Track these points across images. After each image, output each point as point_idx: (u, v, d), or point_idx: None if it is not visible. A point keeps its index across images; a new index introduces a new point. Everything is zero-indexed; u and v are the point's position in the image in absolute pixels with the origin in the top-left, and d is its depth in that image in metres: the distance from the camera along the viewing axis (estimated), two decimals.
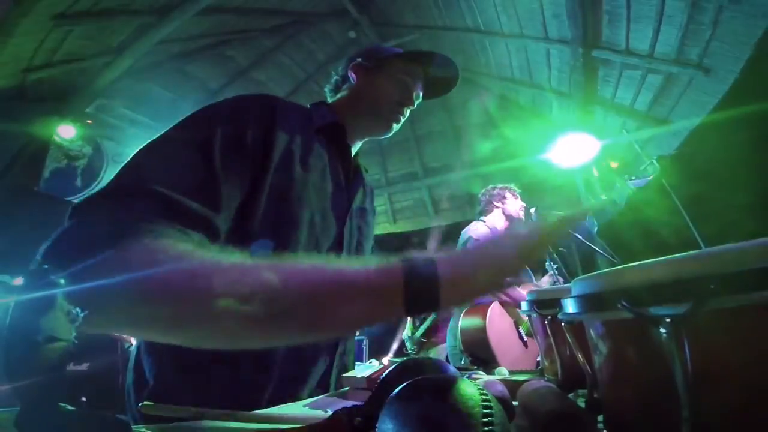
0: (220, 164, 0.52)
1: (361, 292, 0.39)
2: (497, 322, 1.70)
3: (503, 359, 1.53)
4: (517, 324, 1.74)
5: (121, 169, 0.49)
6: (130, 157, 0.51)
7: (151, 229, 0.41)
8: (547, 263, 1.78)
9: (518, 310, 1.73)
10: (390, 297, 0.39)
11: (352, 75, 0.85)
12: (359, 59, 0.86)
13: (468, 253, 0.45)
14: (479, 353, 1.63)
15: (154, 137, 0.54)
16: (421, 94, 0.87)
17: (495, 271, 0.42)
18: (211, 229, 0.49)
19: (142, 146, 0.53)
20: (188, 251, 0.40)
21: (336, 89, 0.88)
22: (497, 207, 2.15)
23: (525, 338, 1.71)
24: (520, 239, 0.43)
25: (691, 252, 0.24)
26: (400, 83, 0.83)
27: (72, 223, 0.43)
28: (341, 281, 0.39)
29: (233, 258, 0.40)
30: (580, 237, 1.62)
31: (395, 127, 0.84)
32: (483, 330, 1.64)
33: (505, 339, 1.68)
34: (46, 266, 0.37)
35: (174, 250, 0.40)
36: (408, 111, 0.85)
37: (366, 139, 0.87)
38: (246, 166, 0.57)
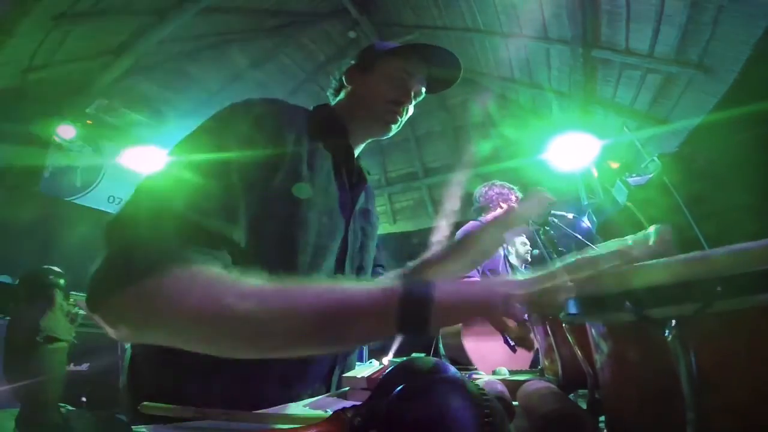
0: (238, 175, 0.55)
1: (364, 314, 0.44)
2: (476, 327, 1.67)
3: (481, 364, 1.50)
4: (501, 329, 1.70)
5: (142, 189, 0.52)
6: (148, 177, 0.55)
7: (180, 257, 0.45)
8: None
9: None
10: (386, 318, 0.43)
11: (346, 78, 0.84)
12: (353, 61, 0.84)
13: (464, 284, 0.48)
14: (457, 357, 1.62)
15: (170, 153, 0.58)
16: (423, 90, 0.84)
17: (482, 309, 0.46)
18: (233, 243, 0.53)
19: (158, 170, 0.56)
20: (214, 278, 0.45)
21: (336, 93, 0.87)
22: (500, 208, 2.00)
23: (512, 344, 1.67)
24: (515, 289, 0.45)
25: (696, 253, 0.24)
26: (395, 81, 0.79)
27: (110, 252, 0.47)
28: (349, 305, 0.44)
29: (253, 282, 0.45)
30: (579, 237, 1.62)
31: (393, 127, 0.81)
32: (458, 334, 1.62)
33: (485, 345, 1.64)
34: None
35: (202, 277, 0.45)
36: (408, 109, 0.82)
37: (368, 141, 0.86)
38: (262, 172, 0.58)
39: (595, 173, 3.59)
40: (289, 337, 0.44)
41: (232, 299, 0.43)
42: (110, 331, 0.45)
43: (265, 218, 0.58)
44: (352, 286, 0.46)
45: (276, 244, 0.60)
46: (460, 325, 1.62)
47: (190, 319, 0.43)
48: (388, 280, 0.46)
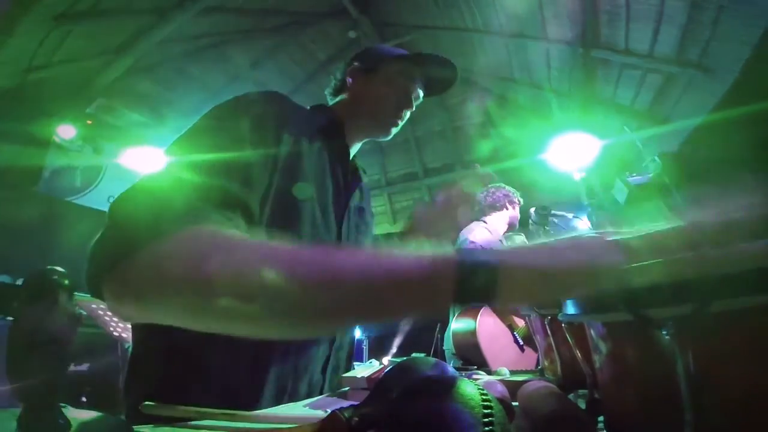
0: (251, 146, 0.55)
1: (415, 283, 0.37)
2: (489, 325, 1.66)
3: (495, 363, 1.50)
4: (512, 328, 1.71)
5: (143, 179, 0.50)
6: (146, 176, 0.51)
7: (194, 217, 0.41)
8: None
9: (512, 315, 1.70)
10: (441, 288, 0.35)
11: (349, 79, 0.85)
12: (356, 63, 0.86)
13: (540, 248, 0.38)
14: (470, 356, 1.60)
15: (181, 133, 0.57)
16: (421, 95, 0.87)
17: (565, 279, 0.34)
18: (248, 210, 0.51)
19: (171, 143, 0.55)
20: (237, 240, 0.40)
21: (335, 93, 0.88)
22: (507, 209, 2.03)
23: (521, 342, 1.68)
24: (612, 255, 0.32)
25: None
26: (399, 87, 0.83)
27: (113, 221, 0.43)
28: (395, 271, 0.37)
29: (285, 246, 0.39)
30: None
31: (394, 130, 0.85)
32: (473, 333, 1.61)
33: (498, 343, 1.64)
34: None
35: (224, 238, 0.40)
36: (408, 114, 0.85)
37: (365, 141, 0.88)
38: (268, 158, 0.59)
39: (594, 174, 3.59)
40: (326, 309, 0.37)
41: (261, 263, 0.37)
42: (116, 309, 0.39)
43: (263, 206, 0.58)
44: (400, 254, 0.38)
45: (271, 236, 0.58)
46: (475, 324, 1.62)
47: (212, 285, 0.36)
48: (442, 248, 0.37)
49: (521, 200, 2.11)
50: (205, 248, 0.38)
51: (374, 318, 0.43)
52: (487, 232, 1.92)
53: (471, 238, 1.85)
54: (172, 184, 0.46)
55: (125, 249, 0.38)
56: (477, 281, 0.34)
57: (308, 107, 0.82)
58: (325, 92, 0.91)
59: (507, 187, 2.10)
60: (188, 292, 0.37)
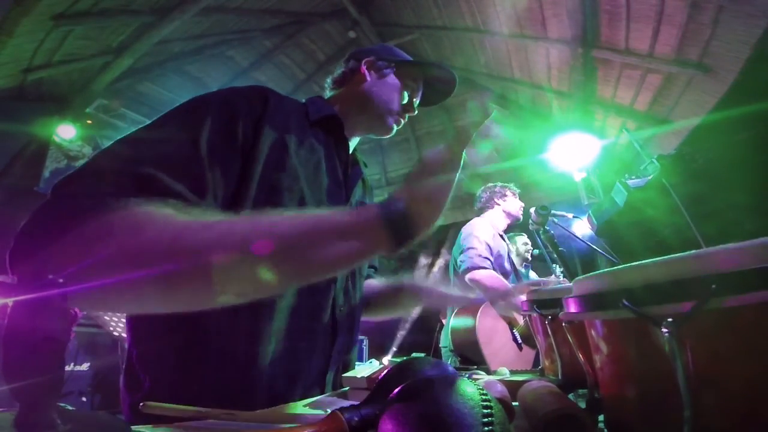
0: (207, 150, 0.52)
1: (343, 233, 0.43)
2: (489, 322, 1.66)
3: (493, 361, 1.49)
4: (511, 326, 1.71)
5: (108, 147, 0.49)
6: (118, 138, 0.51)
7: (136, 201, 0.41)
8: (553, 266, 1.76)
9: (512, 313, 1.70)
10: (370, 233, 0.44)
11: (365, 71, 0.83)
12: (373, 57, 0.84)
13: (414, 183, 0.49)
14: (468, 354, 1.59)
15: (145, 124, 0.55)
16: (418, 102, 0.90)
17: (440, 190, 0.48)
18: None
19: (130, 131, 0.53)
20: (172, 213, 0.41)
21: (341, 82, 0.87)
22: (498, 204, 2.15)
23: (520, 341, 1.68)
24: (440, 160, 0.50)
25: (692, 252, 0.24)
26: (409, 90, 0.84)
27: (54, 197, 0.42)
28: (323, 225, 0.43)
29: (217, 215, 0.43)
30: (579, 237, 1.62)
31: (395, 129, 0.85)
32: (473, 330, 1.60)
33: (497, 341, 1.64)
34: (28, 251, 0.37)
35: (158, 213, 0.41)
36: (407, 117, 0.87)
37: (363, 136, 0.87)
38: (235, 155, 0.57)
39: (594, 174, 3.59)
40: (265, 268, 0.40)
41: (195, 229, 0.39)
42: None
43: (242, 205, 0.56)
44: (325, 211, 0.46)
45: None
46: (474, 321, 1.63)
47: (144, 256, 0.37)
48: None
49: (516, 190, 2.20)
50: (139, 224, 0.39)
51: (310, 270, 0.45)
52: (490, 226, 2.03)
53: (475, 233, 1.95)
54: (120, 172, 0.45)
55: (56, 227, 0.38)
56: (398, 224, 0.44)
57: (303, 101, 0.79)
58: (327, 81, 0.90)
59: (492, 185, 2.22)
60: (117, 268, 0.37)
